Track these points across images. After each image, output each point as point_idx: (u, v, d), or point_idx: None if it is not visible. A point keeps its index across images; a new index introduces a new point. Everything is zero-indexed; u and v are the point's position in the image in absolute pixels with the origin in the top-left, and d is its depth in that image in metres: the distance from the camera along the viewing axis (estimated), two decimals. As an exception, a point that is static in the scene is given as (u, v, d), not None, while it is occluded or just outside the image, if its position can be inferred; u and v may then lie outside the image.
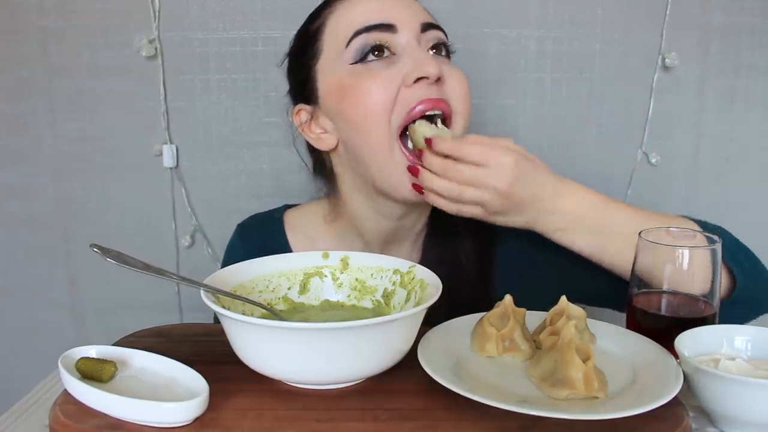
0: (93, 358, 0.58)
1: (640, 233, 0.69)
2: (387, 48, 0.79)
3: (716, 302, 0.67)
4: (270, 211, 0.99)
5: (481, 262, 0.90)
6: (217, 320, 0.91)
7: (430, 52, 0.82)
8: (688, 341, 0.60)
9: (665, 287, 0.67)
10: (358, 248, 0.91)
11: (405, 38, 0.80)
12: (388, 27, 0.79)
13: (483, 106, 1.17)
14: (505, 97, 1.19)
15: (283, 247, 0.93)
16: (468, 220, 0.91)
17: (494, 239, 0.90)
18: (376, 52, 0.79)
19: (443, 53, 0.83)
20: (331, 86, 0.82)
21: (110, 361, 0.58)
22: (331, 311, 0.71)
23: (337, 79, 0.81)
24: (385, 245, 0.90)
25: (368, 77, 0.78)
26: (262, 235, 0.95)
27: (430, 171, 0.74)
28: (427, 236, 0.91)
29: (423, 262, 0.89)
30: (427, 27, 0.82)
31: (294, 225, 0.95)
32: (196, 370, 0.57)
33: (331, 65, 0.82)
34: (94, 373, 0.57)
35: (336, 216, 0.92)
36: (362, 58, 0.79)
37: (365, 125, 0.79)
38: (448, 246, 0.89)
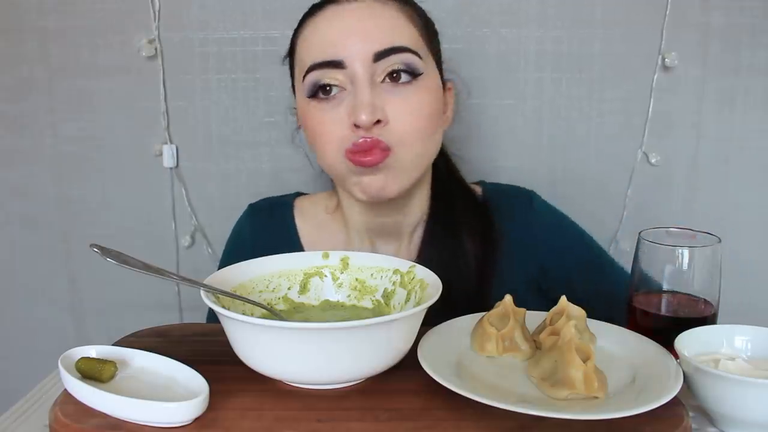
0: (93, 358, 0.58)
1: (640, 233, 0.69)
2: (335, 85, 0.81)
3: (716, 302, 0.67)
4: (282, 195, 1.03)
5: (481, 264, 0.90)
6: (210, 319, 0.91)
7: (385, 83, 0.81)
8: (688, 341, 0.60)
9: (665, 287, 0.67)
10: (355, 240, 0.94)
11: (354, 72, 0.80)
12: (336, 64, 0.80)
13: (483, 106, 1.17)
14: (505, 97, 1.18)
15: (291, 232, 0.97)
16: (468, 220, 0.91)
17: (497, 242, 0.91)
18: (327, 88, 0.81)
19: (402, 79, 0.81)
20: (299, 106, 0.88)
21: (110, 361, 0.58)
22: (331, 311, 0.71)
23: (300, 103, 0.87)
24: (377, 238, 0.93)
25: (317, 118, 0.83)
26: (271, 217, 0.99)
27: None
28: (425, 233, 0.92)
29: (418, 259, 0.91)
30: (380, 56, 0.80)
31: (303, 211, 0.99)
32: (196, 370, 0.57)
33: (298, 86, 0.87)
34: (94, 373, 0.57)
35: (334, 207, 0.96)
36: (313, 95, 0.83)
37: (320, 153, 0.85)
38: (446, 245, 0.90)
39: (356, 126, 0.79)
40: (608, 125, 1.20)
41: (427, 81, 0.83)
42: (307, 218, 0.98)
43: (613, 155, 1.21)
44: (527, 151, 1.20)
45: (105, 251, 0.59)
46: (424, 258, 0.90)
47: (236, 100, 1.20)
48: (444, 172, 0.95)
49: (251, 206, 1.02)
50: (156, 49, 1.17)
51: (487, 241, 0.91)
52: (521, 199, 0.97)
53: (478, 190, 0.98)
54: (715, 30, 1.17)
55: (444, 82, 0.90)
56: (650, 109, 1.19)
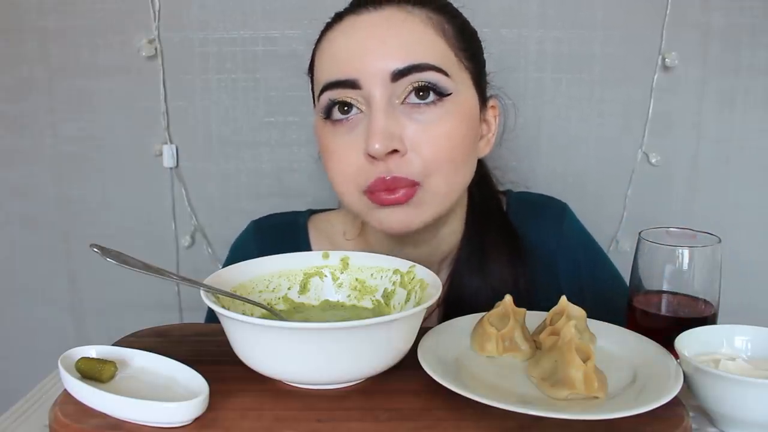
0: (93, 358, 0.58)
1: (640, 233, 0.69)
2: (352, 105, 0.73)
3: (716, 302, 0.67)
4: (292, 214, 0.94)
5: (513, 286, 0.83)
6: (210, 319, 0.88)
7: (406, 104, 0.72)
8: (688, 341, 0.60)
9: (665, 287, 0.67)
10: None
11: (370, 93, 0.72)
12: (350, 84, 0.72)
13: (483, 106, 1.17)
14: (505, 97, 1.19)
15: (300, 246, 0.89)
16: (500, 246, 0.84)
17: (528, 263, 0.85)
18: (345, 108, 0.74)
19: (428, 98, 0.72)
20: (316, 126, 0.80)
21: (110, 361, 0.58)
22: (331, 311, 0.71)
23: (317, 123, 0.79)
24: None
25: (332, 143, 0.75)
26: (282, 240, 0.87)
27: None
28: (456, 263, 0.85)
29: (449, 288, 0.84)
30: (399, 75, 0.71)
31: (319, 234, 0.90)
32: (196, 370, 0.57)
33: (315, 103, 0.79)
34: (94, 373, 0.57)
35: (356, 233, 0.89)
36: (328, 116, 0.75)
37: (333, 182, 0.77)
38: (477, 273, 0.83)
39: (371, 156, 0.71)
40: (608, 125, 1.20)
41: (456, 102, 0.74)
42: (323, 243, 0.89)
43: (613, 155, 1.21)
44: (527, 151, 1.20)
45: (105, 251, 0.59)
46: (454, 289, 0.84)
47: (236, 100, 1.20)
48: (480, 196, 0.87)
49: (257, 226, 0.93)
50: (156, 49, 1.17)
51: (518, 264, 0.84)
52: (552, 211, 0.91)
53: (503, 200, 0.91)
54: (715, 30, 1.17)
55: (487, 100, 0.81)
56: (650, 110, 1.19)
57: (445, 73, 0.73)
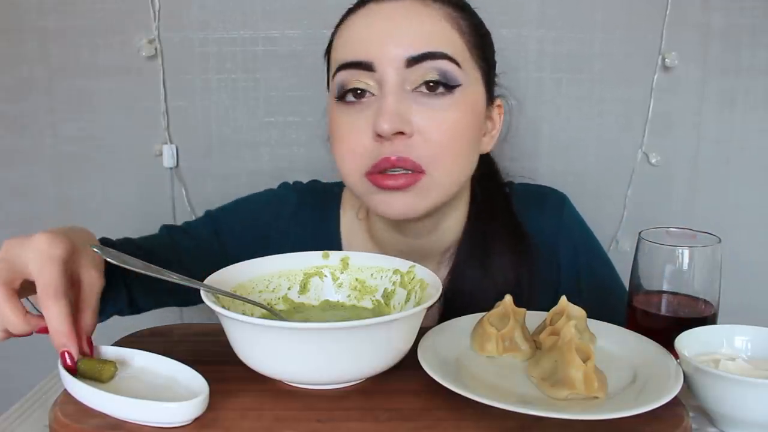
0: (93, 358, 0.58)
1: (640, 233, 0.69)
2: (364, 89, 0.75)
3: (716, 302, 0.67)
4: (330, 183, 0.96)
5: (516, 281, 0.84)
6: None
7: (417, 92, 0.74)
8: (688, 341, 0.60)
9: (665, 287, 0.67)
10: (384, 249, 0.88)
11: (383, 77, 0.74)
12: (365, 66, 0.74)
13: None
14: (511, 97, 1.19)
15: (331, 220, 0.91)
16: (503, 238, 0.85)
17: (531, 257, 0.86)
18: (357, 91, 0.76)
19: (439, 89, 0.74)
20: (328, 106, 0.82)
21: (110, 361, 0.58)
22: (331, 311, 0.71)
23: (329, 103, 0.81)
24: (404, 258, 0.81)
25: (342, 124, 0.77)
26: (320, 200, 0.92)
27: None
28: (458, 256, 0.86)
29: (450, 281, 0.84)
30: (413, 61, 0.73)
31: (347, 205, 0.92)
32: (196, 370, 0.57)
33: (330, 86, 0.81)
34: (94, 373, 0.57)
35: (365, 214, 0.90)
36: (341, 97, 0.77)
37: (339, 162, 0.79)
38: (480, 266, 0.84)
39: (379, 136, 0.73)
40: (608, 125, 1.20)
41: (465, 95, 0.76)
42: (347, 212, 0.91)
43: (613, 155, 1.21)
44: (527, 151, 1.20)
45: (105, 251, 0.59)
46: (455, 281, 0.85)
47: (236, 100, 1.20)
48: (485, 190, 0.88)
49: (292, 184, 0.95)
50: (156, 49, 1.17)
51: (521, 257, 0.85)
52: (553, 201, 0.92)
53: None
54: (715, 30, 1.17)
55: (494, 99, 0.83)
56: (650, 110, 1.19)
57: (457, 64, 0.75)
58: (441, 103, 0.75)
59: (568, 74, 1.18)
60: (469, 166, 0.80)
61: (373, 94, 0.75)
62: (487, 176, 0.88)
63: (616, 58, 1.18)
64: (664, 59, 1.17)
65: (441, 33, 0.75)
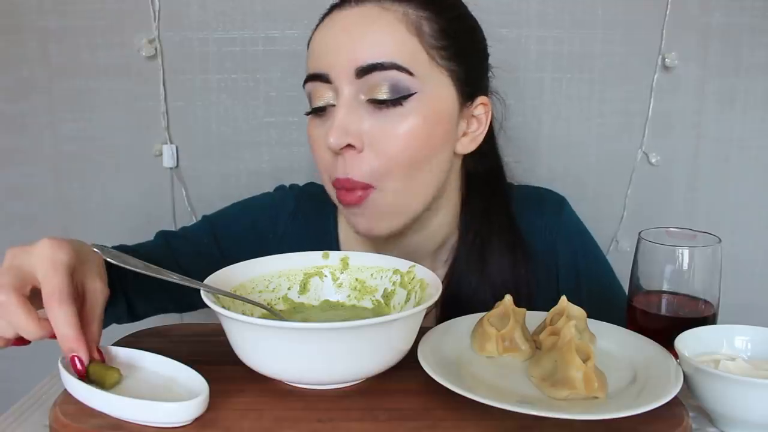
0: (99, 364, 0.57)
1: (640, 233, 0.69)
2: (324, 105, 0.76)
3: (716, 302, 0.67)
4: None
5: (514, 282, 0.84)
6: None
7: (369, 103, 0.73)
8: (688, 341, 0.60)
9: (665, 287, 0.67)
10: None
11: (338, 88, 0.74)
12: (323, 78, 0.74)
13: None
14: (505, 97, 1.19)
15: (329, 222, 0.91)
16: (503, 243, 0.85)
17: (529, 258, 0.86)
18: (320, 103, 0.76)
19: (390, 97, 0.73)
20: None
21: (115, 369, 0.57)
22: (331, 311, 0.71)
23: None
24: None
25: (311, 136, 0.79)
26: (318, 203, 0.90)
27: None
28: (455, 260, 0.86)
29: (449, 287, 0.84)
30: (363, 72, 0.72)
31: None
32: (196, 370, 0.57)
33: None
34: (97, 377, 0.56)
35: None
36: (310, 109, 0.78)
37: (319, 169, 0.80)
38: (477, 272, 0.84)
39: (330, 149, 0.74)
40: (608, 125, 1.20)
41: (422, 101, 0.74)
42: (344, 219, 0.89)
43: (613, 155, 1.21)
44: (527, 151, 1.20)
45: (105, 251, 0.59)
46: (452, 285, 0.84)
47: (236, 100, 1.20)
48: (485, 186, 0.87)
49: (289, 186, 0.95)
50: (156, 49, 1.17)
51: (519, 259, 0.85)
52: (552, 203, 0.92)
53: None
54: (715, 30, 1.17)
55: (474, 96, 0.80)
56: (650, 109, 1.19)
57: (409, 73, 0.73)
58: (394, 115, 0.73)
59: (568, 74, 1.18)
60: (435, 174, 0.78)
61: (334, 105, 0.75)
62: (489, 174, 0.88)
63: (616, 58, 1.18)
64: (664, 59, 1.17)
65: (393, 40, 0.73)
